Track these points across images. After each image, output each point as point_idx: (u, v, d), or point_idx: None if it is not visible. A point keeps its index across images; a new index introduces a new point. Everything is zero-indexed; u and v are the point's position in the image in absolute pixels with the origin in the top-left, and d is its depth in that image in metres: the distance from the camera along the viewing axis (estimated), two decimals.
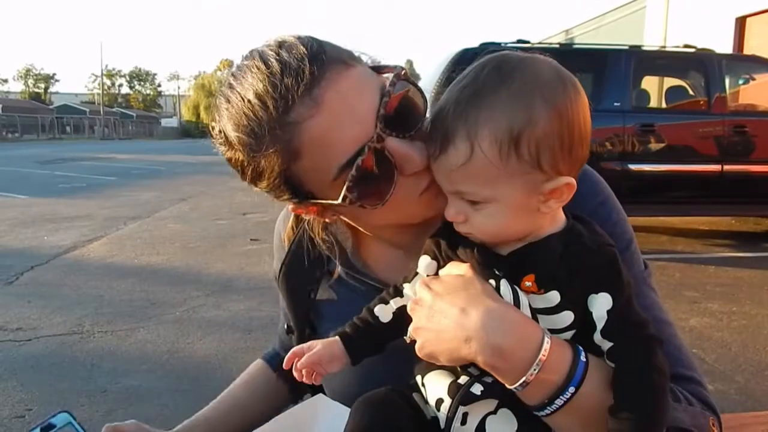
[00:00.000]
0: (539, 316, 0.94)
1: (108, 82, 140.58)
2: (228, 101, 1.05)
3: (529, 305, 0.94)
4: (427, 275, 1.05)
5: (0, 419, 3.88)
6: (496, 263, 0.96)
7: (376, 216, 1.09)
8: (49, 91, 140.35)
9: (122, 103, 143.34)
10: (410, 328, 1.01)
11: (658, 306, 1.13)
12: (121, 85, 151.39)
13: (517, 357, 0.89)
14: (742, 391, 4.31)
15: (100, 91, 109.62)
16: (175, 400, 4.13)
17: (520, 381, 0.89)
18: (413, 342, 1.00)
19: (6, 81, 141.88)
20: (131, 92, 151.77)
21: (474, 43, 8.66)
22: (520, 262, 0.95)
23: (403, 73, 1.05)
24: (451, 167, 0.93)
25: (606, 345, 0.92)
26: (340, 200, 1.05)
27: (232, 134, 1.05)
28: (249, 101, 1.01)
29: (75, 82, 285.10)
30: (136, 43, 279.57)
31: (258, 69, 1.01)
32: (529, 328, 0.91)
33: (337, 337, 1.10)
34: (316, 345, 1.09)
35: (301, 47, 1.01)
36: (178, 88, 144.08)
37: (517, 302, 0.93)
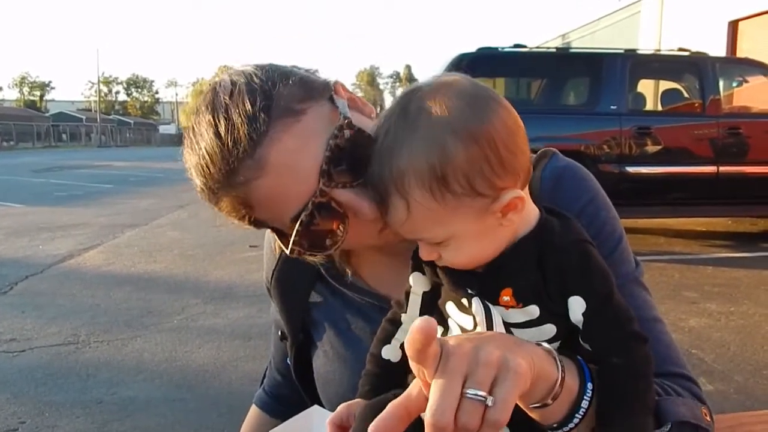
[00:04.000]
0: (523, 330, 0.91)
1: (105, 90, 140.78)
2: (189, 143, 1.04)
3: (504, 321, 0.91)
4: (423, 291, 1.02)
5: None
6: (469, 281, 0.94)
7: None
8: (44, 98, 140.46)
9: (119, 110, 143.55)
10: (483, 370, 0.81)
11: (649, 304, 1.11)
12: (118, 92, 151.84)
13: (543, 372, 0.82)
14: (741, 390, 4.30)
15: (97, 99, 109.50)
16: (173, 410, 4.11)
17: (551, 395, 0.82)
18: None
19: (1, 89, 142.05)
20: (128, 99, 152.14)
21: (472, 48, 8.68)
22: (494, 277, 0.92)
23: (346, 122, 1.01)
24: (396, 222, 0.92)
25: (587, 347, 0.90)
26: (288, 252, 1.06)
27: (194, 178, 1.05)
28: (202, 155, 1.01)
29: (71, 89, 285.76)
30: (133, 50, 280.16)
31: (208, 123, 1.00)
32: (538, 346, 0.87)
33: (360, 401, 1.03)
34: (354, 409, 1.02)
35: (247, 102, 0.99)
36: (176, 94, 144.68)
37: (489, 319, 0.91)
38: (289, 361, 1.43)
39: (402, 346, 0.99)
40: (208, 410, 4.10)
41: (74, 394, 4.39)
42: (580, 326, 0.89)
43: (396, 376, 1.03)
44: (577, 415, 0.86)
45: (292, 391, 1.46)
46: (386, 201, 0.91)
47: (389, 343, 1.06)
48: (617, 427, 0.86)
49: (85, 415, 4.05)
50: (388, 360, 1.05)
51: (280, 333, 1.44)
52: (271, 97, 1.00)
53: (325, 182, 1.00)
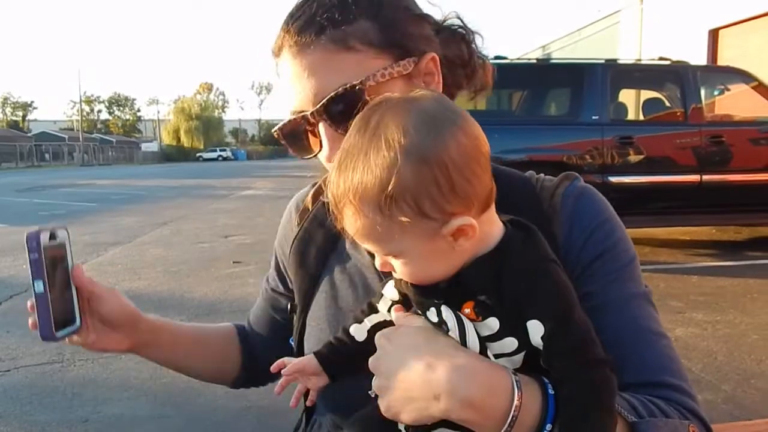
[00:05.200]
0: (487, 344, 0.91)
1: (87, 109, 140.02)
2: None
3: (476, 331, 0.91)
4: (392, 301, 1.05)
5: None
6: (434, 293, 0.94)
7: None
8: (27, 118, 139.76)
9: (101, 128, 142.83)
10: (374, 385, 0.98)
11: (656, 320, 1.14)
12: (100, 111, 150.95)
13: (491, 407, 0.85)
14: (729, 399, 4.31)
15: (79, 118, 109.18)
16: (159, 427, 4.07)
17: (501, 431, 0.85)
18: (377, 397, 0.97)
19: None
20: (110, 118, 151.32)
21: None
22: (456, 291, 0.92)
23: (367, 84, 1.11)
24: (349, 230, 0.93)
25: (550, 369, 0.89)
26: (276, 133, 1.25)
27: None
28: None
29: (53, 109, 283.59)
30: (115, 69, 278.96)
31: None
32: (498, 374, 0.88)
33: (311, 356, 1.14)
34: (302, 359, 1.15)
35: (322, 8, 1.12)
36: (158, 112, 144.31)
37: (462, 329, 0.91)
38: (292, 341, 1.42)
39: (369, 330, 1.07)
40: (194, 427, 4.08)
41: (60, 413, 4.33)
42: (541, 349, 0.88)
43: (353, 353, 1.09)
44: None
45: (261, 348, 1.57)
46: (338, 210, 0.92)
47: (360, 322, 1.10)
48: None
49: None
50: (353, 337, 1.10)
51: (289, 306, 1.47)
52: (342, 20, 1.12)
53: (315, 112, 1.13)
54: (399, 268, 0.94)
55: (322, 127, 1.14)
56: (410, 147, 0.85)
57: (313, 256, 1.37)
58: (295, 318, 1.41)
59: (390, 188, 0.85)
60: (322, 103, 1.11)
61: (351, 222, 0.91)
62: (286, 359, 1.16)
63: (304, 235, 1.39)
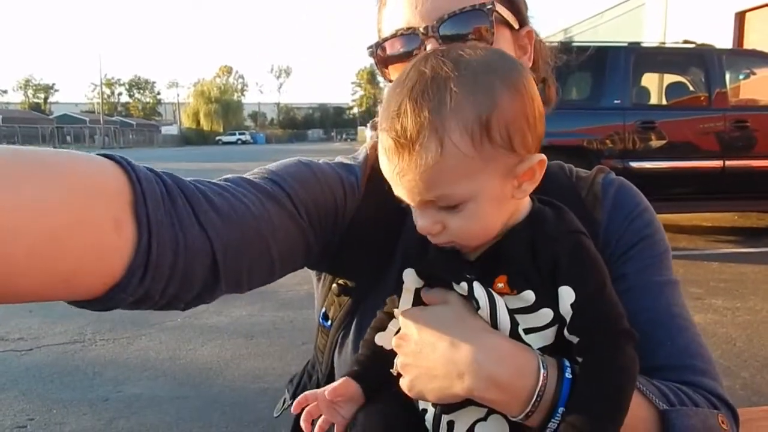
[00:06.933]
0: (518, 316, 0.89)
1: (107, 91, 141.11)
2: None
3: (506, 306, 0.90)
4: (416, 288, 1.00)
5: (2, 429, 3.85)
6: (466, 269, 0.92)
7: None
8: (48, 101, 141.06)
9: (122, 111, 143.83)
10: (397, 362, 0.97)
11: (686, 309, 1.13)
12: (120, 94, 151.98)
13: (518, 387, 0.85)
14: (747, 386, 4.28)
15: (100, 100, 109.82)
16: (176, 407, 4.11)
17: (525, 411, 0.85)
18: (400, 376, 0.96)
19: (6, 92, 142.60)
20: (131, 101, 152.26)
21: None
22: (489, 265, 0.90)
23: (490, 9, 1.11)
24: (421, 171, 0.82)
25: (574, 340, 0.87)
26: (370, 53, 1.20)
27: None
28: None
29: (74, 91, 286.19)
30: (135, 52, 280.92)
31: None
32: (525, 355, 0.87)
33: (347, 378, 1.03)
34: (333, 385, 1.02)
35: None
36: (178, 95, 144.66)
37: (493, 305, 0.89)
38: (323, 319, 1.26)
39: (396, 335, 1.00)
40: (211, 407, 4.10)
41: (81, 391, 4.39)
42: (568, 318, 0.87)
43: (387, 363, 1.02)
44: (553, 420, 0.85)
45: None
46: (412, 143, 0.81)
47: (384, 330, 1.05)
48: (588, 417, 0.83)
49: (92, 413, 4.05)
50: (381, 347, 1.04)
51: (337, 285, 1.22)
52: None
53: (431, 28, 1.09)
54: (457, 221, 0.87)
55: (430, 47, 1.06)
56: (507, 78, 0.85)
57: (384, 239, 1.16)
58: (348, 301, 1.21)
59: (487, 114, 0.81)
60: (442, 18, 1.08)
61: (428, 154, 0.80)
62: (309, 393, 1.01)
63: (379, 203, 1.08)
